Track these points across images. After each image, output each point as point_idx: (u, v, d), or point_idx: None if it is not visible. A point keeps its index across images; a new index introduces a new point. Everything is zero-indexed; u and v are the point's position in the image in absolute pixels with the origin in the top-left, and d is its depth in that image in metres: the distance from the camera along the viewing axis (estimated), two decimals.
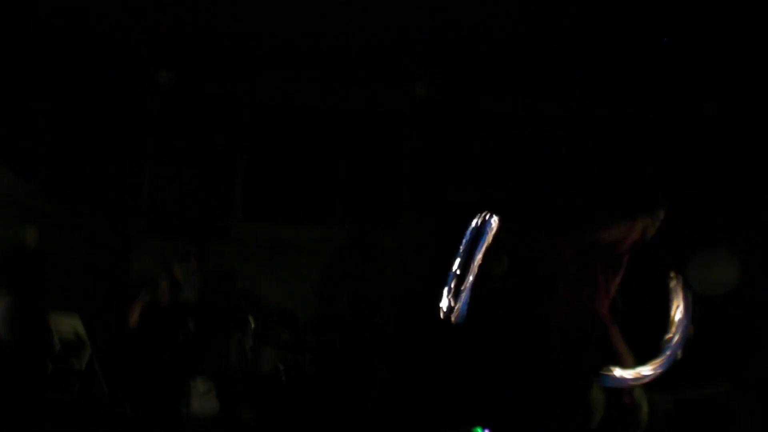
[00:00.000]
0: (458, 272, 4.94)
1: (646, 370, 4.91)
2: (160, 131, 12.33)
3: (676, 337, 4.89)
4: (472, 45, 10.46)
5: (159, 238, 11.73)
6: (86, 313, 9.48)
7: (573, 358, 4.97)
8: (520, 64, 10.88)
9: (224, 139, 12.09)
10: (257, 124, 12.34)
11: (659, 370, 4.94)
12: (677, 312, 4.93)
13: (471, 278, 4.89)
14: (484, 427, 8.51)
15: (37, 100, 10.23)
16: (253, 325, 9.20)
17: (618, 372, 4.93)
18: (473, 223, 4.97)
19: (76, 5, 9.83)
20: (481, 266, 4.93)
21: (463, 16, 9.72)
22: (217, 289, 10.50)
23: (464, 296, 4.91)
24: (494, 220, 4.90)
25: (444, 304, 5.00)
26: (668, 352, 4.90)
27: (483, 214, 5.00)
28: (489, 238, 4.90)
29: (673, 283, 4.92)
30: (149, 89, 11.89)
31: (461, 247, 4.98)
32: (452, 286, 4.97)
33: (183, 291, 9.51)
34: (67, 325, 8.85)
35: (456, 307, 4.95)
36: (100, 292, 10.87)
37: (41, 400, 8.34)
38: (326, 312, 10.42)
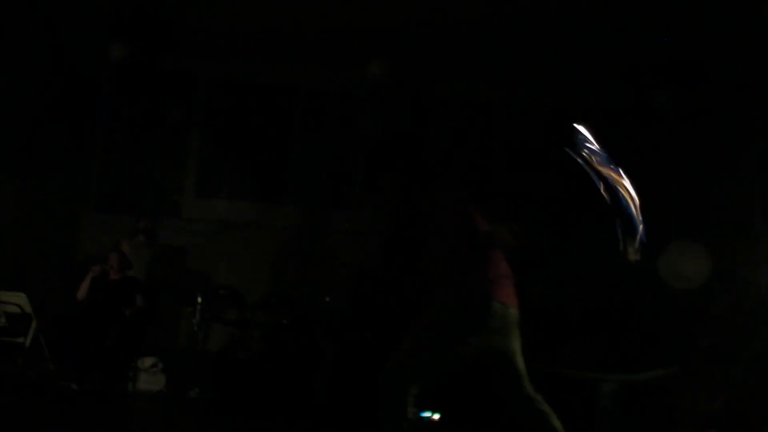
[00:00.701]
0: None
1: None
2: (113, 105, 12.26)
3: None
4: (428, 27, 10.49)
5: (109, 213, 11.68)
6: (34, 287, 9.44)
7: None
8: (476, 47, 10.92)
9: (178, 115, 12.03)
10: (212, 101, 12.30)
11: None
12: None
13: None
14: (433, 411, 8.62)
15: None
16: (201, 302, 9.18)
17: None
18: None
19: None
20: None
21: None
22: (166, 265, 10.46)
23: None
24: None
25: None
26: None
27: None
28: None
29: None
30: (104, 62, 11.80)
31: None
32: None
33: (132, 266, 9.48)
34: (13, 301, 8.79)
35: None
36: (49, 266, 10.81)
37: None
38: (275, 290, 10.42)
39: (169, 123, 12.03)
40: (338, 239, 11.35)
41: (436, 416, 8.63)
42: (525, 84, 11.51)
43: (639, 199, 4.56)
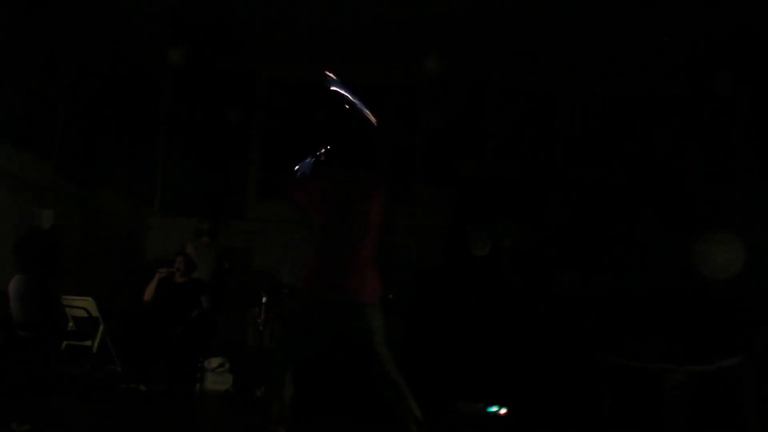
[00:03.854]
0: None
1: None
2: (174, 109, 12.38)
3: None
4: (483, 20, 10.44)
5: (172, 216, 11.81)
6: (101, 291, 9.55)
7: None
8: (531, 38, 10.86)
9: (238, 116, 12.10)
10: (271, 102, 12.36)
11: None
12: None
13: None
14: (501, 405, 8.57)
15: (52, 79, 10.27)
16: (265, 301, 9.22)
17: None
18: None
19: None
20: None
21: None
22: (230, 265, 10.50)
23: None
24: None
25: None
26: None
27: None
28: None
29: None
30: (164, 68, 11.92)
31: None
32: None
33: (196, 268, 9.53)
34: (81, 305, 8.91)
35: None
36: (115, 270, 10.95)
37: (55, 378, 8.42)
38: None
39: (229, 125, 12.12)
40: (400, 235, 11.32)
41: (504, 411, 8.57)
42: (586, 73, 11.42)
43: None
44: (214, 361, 9.01)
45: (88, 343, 8.86)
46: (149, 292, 9.31)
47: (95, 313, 8.90)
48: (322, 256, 4.98)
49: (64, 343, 9.09)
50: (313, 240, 5.06)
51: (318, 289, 4.93)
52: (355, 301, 4.88)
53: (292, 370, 5.00)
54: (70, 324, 9.13)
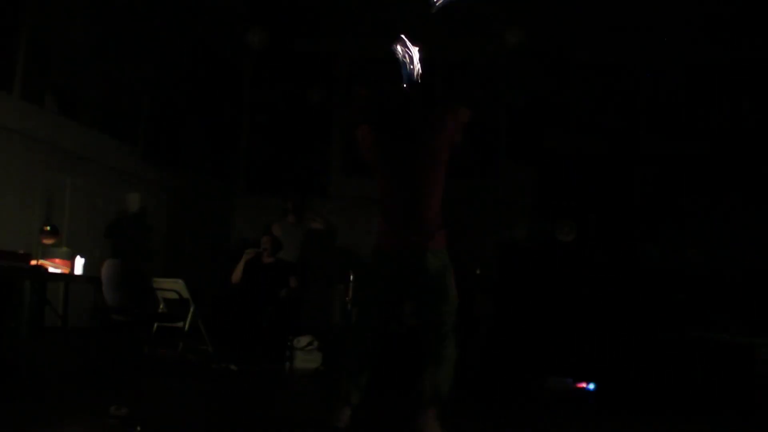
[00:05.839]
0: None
1: None
2: (256, 90, 12.45)
3: None
4: None
5: (258, 195, 11.89)
6: (191, 273, 9.67)
7: None
8: (611, 10, 10.71)
9: (320, 95, 12.12)
10: (351, 79, 12.33)
11: None
12: None
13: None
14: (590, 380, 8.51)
15: (134, 66, 10.40)
16: (352, 278, 9.25)
17: None
18: None
19: None
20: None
21: None
22: (317, 243, 10.53)
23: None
24: None
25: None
26: None
27: None
28: None
29: None
30: (244, 49, 11.98)
31: None
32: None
33: (282, 248, 9.59)
34: (172, 287, 9.02)
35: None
36: (204, 252, 11.08)
37: (149, 360, 8.56)
38: None
39: (311, 103, 12.15)
40: (485, 209, 11.28)
41: (593, 386, 8.51)
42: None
43: None
44: (303, 340, 9.08)
45: (180, 324, 8.96)
46: (237, 274, 9.41)
47: (186, 294, 9.00)
48: (387, 218, 5.09)
49: (156, 325, 9.23)
50: (379, 199, 5.16)
51: (386, 245, 5.07)
52: (419, 248, 4.95)
53: (371, 350, 5.18)
54: (161, 306, 9.26)
